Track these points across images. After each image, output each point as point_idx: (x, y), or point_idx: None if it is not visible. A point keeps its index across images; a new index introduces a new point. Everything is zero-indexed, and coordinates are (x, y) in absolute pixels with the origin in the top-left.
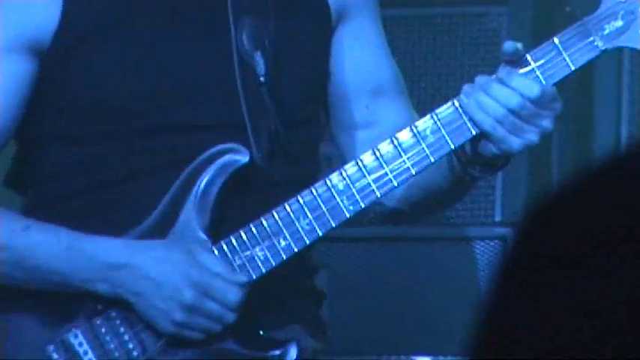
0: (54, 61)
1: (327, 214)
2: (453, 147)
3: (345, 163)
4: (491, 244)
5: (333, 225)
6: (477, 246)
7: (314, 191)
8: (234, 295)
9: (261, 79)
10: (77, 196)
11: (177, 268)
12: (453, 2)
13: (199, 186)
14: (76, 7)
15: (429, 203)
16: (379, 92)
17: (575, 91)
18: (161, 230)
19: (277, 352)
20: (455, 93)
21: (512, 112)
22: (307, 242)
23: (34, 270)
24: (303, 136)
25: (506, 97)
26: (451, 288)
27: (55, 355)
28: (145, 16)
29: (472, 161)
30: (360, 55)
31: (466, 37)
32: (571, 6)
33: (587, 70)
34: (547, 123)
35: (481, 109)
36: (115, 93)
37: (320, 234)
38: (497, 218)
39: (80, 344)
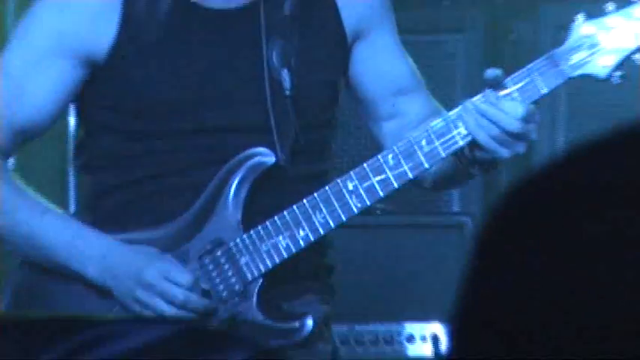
0: (109, 69)
1: (339, 210)
2: (443, 155)
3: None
4: (451, 229)
5: (344, 219)
6: (440, 231)
7: (328, 190)
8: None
9: (287, 92)
10: (126, 186)
11: (133, 272)
12: (414, 31)
13: (232, 184)
14: (130, 27)
15: (441, 183)
16: (401, 92)
17: None
18: (198, 222)
19: (296, 324)
20: None
21: (504, 131)
22: (322, 233)
23: (39, 249)
24: (318, 138)
25: (501, 119)
26: (423, 265)
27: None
28: (190, 32)
29: (471, 162)
30: (381, 64)
31: (425, 62)
32: (514, 35)
33: None
34: (532, 135)
35: (479, 128)
36: (163, 97)
37: (332, 226)
38: (456, 209)
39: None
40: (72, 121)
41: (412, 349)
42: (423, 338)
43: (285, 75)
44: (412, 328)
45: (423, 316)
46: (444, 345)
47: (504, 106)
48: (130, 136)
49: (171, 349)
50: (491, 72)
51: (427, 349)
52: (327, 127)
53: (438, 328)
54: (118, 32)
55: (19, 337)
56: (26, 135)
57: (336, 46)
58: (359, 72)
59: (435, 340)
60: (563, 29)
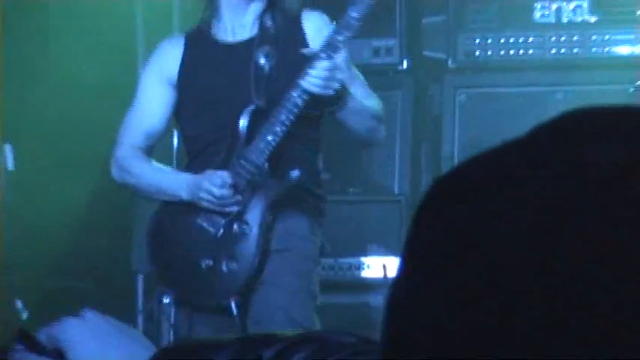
0: (178, 86)
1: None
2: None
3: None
4: (392, 205)
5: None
6: (385, 205)
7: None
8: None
9: (266, 74)
10: (195, 148)
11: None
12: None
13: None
14: (187, 63)
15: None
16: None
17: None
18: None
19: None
20: None
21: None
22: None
23: (159, 189)
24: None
25: (314, 74)
26: (372, 227)
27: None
28: (214, 56)
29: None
30: None
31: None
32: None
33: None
34: (337, 74)
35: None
36: (202, 93)
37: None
38: (396, 189)
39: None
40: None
41: (367, 274)
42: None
43: (266, 65)
44: (369, 260)
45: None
46: (390, 272)
47: (315, 65)
48: (188, 119)
49: None
50: (307, 51)
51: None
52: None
53: (387, 260)
54: (181, 62)
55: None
56: (150, 138)
57: (302, 58)
58: None
59: (384, 267)
60: None
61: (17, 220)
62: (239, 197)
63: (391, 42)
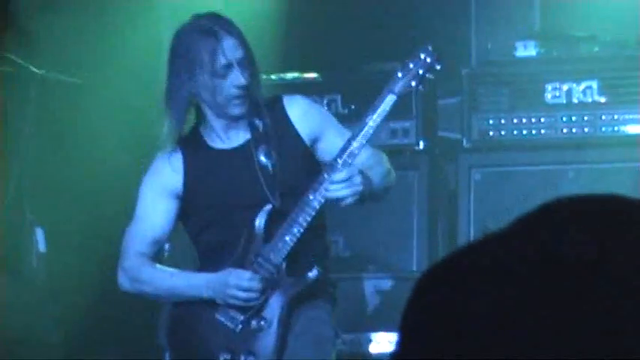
0: (185, 197)
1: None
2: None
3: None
4: (410, 282)
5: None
6: (403, 282)
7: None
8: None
9: (270, 172)
10: (210, 253)
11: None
12: None
13: (258, 224)
14: (191, 174)
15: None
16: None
17: None
18: (245, 249)
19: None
20: None
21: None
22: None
23: (176, 293)
24: (296, 191)
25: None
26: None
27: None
28: (214, 161)
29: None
30: (334, 149)
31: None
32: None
33: None
34: (355, 184)
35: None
36: (207, 199)
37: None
38: (414, 266)
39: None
40: None
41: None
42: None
43: (268, 164)
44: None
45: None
46: None
47: (335, 176)
48: (199, 229)
49: None
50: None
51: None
52: (303, 184)
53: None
54: (184, 174)
55: None
56: (154, 245)
57: (297, 145)
58: (323, 156)
59: None
60: None
61: (51, 295)
62: (263, 290)
63: (407, 123)
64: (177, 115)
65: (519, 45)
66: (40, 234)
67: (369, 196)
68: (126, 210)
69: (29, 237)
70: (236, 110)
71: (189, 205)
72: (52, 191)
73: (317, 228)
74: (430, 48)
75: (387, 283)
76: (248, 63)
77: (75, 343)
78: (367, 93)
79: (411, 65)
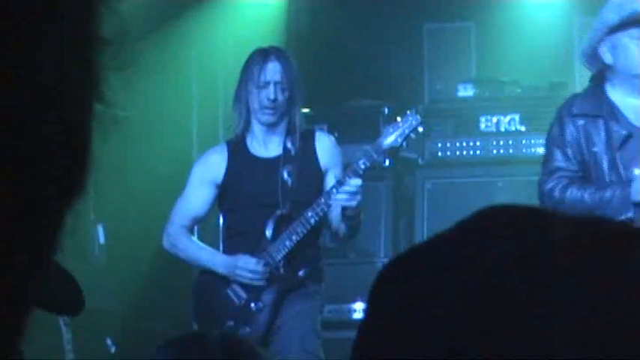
0: (224, 185)
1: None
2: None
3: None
4: (378, 265)
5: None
6: (373, 265)
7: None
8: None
9: (290, 186)
10: (232, 232)
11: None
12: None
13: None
14: (229, 165)
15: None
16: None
17: None
18: (257, 243)
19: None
20: None
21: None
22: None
23: (200, 263)
24: (307, 203)
25: (345, 191)
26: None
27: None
28: (250, 166)
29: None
30: (332, 180)
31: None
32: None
33: None
34: (357, 195)
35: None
36: (244, 194)
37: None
38: (382, 254)
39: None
40: None
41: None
42: None
43: (289, 180)
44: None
45: None
46: None
47: (349, 184)
48: (229, 211)
49: None
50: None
51: None
52: (312, 200)
53: None
54: (225, 169)
55: None
56: (194, 221)
57: (316, 172)
58: (325, 185)
59: None
60: None
61: (109, 275)
62: (266, 273)
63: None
64: (239, 113)
65: (460, 87)
66: (100, 229)
67: (355, 222)
68: (168, 210)
69: (92, 232)
70: (264, 118)
71: (224, 195)
72: (110, 196)
73: (312, 237)
74: (418, 115)
75: (362, 266)
76: (284, 86)
77: (129, 311)
78: (348, 123)
79: (401, 124)
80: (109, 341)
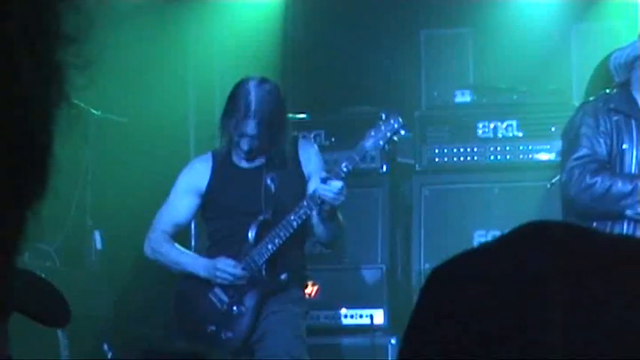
0: (207, 194)
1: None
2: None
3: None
4: (376, 270)
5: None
6: (370, 270)
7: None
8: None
9: (273, 192)
10: (216, 239)
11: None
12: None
13: (250, 231)
14: (212, 176)
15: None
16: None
17: None
18: (239, 248)
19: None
20: None
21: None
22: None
23: (181, 267)
24: (288, 209)
25: (330, 189)
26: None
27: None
28: (234, 176)
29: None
30: (314, 186)
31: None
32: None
33: None
34: (342, 194)
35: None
36: (226, 203)
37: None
38: (379, 260)
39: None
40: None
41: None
42: (360, 316)
43: (271, 187)
44: (356, 311)
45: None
46: (376, 320)
47: (331, 185)
48: (211, 219)
49: None
50: (322, 174)
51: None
52: (295, 206)
53: (373, 312)
54: (209, 179)
55: None
56: (176, 228)
57: (299, 178)
58: (309, 191)
59: (371, 317)
60: None
61: (106, 281)
62: (246, 274)
63: (374, 153)
64: (223, 135)
65: (458, 93)
66: (97, 236)
67: (333, 224)
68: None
69: (89, 238)
70: (243, 155)
71: (208, 204)
72: (106, 203)
73: (295, 242)
74: (399, 118)
75: (358, 272)
76: (262, 129)
77: (126, 317)
78: (345, 129)
79: (383, 128)
80: (105, 347)
